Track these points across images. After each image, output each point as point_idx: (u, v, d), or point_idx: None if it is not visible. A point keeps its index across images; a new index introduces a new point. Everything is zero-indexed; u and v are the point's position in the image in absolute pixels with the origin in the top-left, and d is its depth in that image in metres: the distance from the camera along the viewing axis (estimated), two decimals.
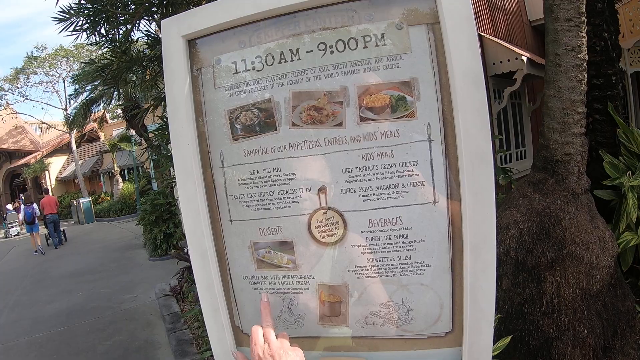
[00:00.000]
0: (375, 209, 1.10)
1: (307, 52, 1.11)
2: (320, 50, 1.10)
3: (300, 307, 1.22)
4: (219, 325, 1.27)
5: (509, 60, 6.91)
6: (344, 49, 1.09)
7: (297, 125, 1.12)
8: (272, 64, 1.14)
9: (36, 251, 14.67)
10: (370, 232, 1.12)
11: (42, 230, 15.94)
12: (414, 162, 1.06)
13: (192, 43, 1.23)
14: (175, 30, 1.22)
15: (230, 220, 1.23)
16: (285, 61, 1.13)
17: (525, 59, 6.74)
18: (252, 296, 1.27)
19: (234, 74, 1.18)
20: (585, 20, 3.36)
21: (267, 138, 1.15)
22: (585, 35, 3.35)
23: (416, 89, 1.05)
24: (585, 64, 3.35)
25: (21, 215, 16.20)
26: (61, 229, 16.02)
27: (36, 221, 14.92)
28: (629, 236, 4.04)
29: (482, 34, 7.25)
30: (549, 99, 3.38)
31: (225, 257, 1.26)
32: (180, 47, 1.21)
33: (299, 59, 1.12)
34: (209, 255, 1.23)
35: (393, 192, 1.08)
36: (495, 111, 7.42)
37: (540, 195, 3.34)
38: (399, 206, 1.09)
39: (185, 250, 6.16)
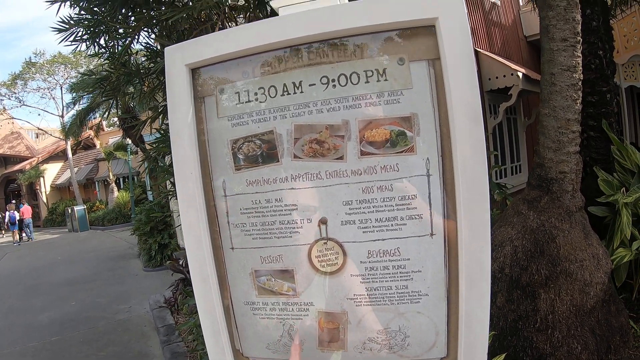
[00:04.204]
0: (374, 241, 1.13)
1: (309, 85, 1.14)
2: (322, 84, 1.13)
3: (299, 333, 1.24)
4: (220, 348, 1.29)
5: (504, 76, 6.99)
6: (346, 83, 1.11)
7: (299, 158, 1.15)
8: (275, 96, 1.16)
9: (16, 243, 20.87)
10: (369, 262, 1.14)
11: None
12: (413, 196, 1.09)
13: (195, 71, 1.25)
14: (179, 58, 1.24)
15: (232, 248, 1.25)
16: (288, 93, 1.15)
17: (520, 74, 6.82)
18: (253, 321, 1.28)
19: (237, 104, 1.20)
20: (581, 39, 3.42)
21: (269, 169, 1.18)
22: (580, 54, 3.41)
23: (416, 124, 1.07)
24: (580, 83, 3.40)
25: (6, 218, 22.30)
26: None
27: (16, 222, 21.34)
28: (623, 252, 4.06)
29: (478, 49, 7.33)
30: (544, 118, 3.43)
31: (227, 283, 1.28)
32: (183, 76, 1.23)
33: (301, 92, 1.14)
34: (211, 281, 1.24)
35: (392, 225, 1.11)
36: (490, 126, 7.48)
37: (535, 213, 3.37)
38: (397, 238, 1.11)
39: (181, 262, 6.14)
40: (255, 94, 1.18)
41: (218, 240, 1.26)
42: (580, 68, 3.41)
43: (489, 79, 7.09)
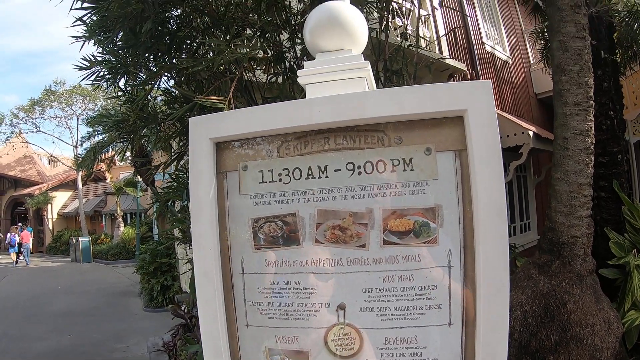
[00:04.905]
0: (392, 328, 1.11)
1: (335, 170, 1.15)
2: (348, 170, 1.14)
3: None
4: None
5: (515, 135, 7.04)
6: (372, 170, 1.12)
7: (321, 243, 1.15)
8: (299, 179, 1.17)
9: (14, 264, 21.99)
10: (386, 349, 1.12)
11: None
12: (433, 287, 1.08)
13: (219, 145, 1.26)
14: (203, 131, 1.25)
15: (247, 325, 1.23)
16: (313, 177, 1.16)
17: (531, 133, 6.86)
18: None
19: (260, 183, 1.21)
20: (593, 103, 3.46)
21: (290, 251, 1.18)
22: (592, 118, 3.44)
23: (440, 216, 1.08)
24: (592, 147, 3.42)
25: (7, 240, 23.55)
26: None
27: (16, 245, 22.40)
28: (634, 315, 4.01)
29: None
30: (557, 182, 3.43)
31: (239, 359, 1.26)
32: (207, 149, 1.24)
33: (326, 177, 1.15)
34: (223, 356, 1.22)
35: (411, 314, 1.10)
36: None
37: (546, 278, 3.33)
38: (415, 327, 1.10)
39: (183, 307, 6.04)
40: (279, 174, 1.19)
41: (233, 315, 1.24)
42: (593, 132, 3.44)
43: (500, 138, 7.07)
